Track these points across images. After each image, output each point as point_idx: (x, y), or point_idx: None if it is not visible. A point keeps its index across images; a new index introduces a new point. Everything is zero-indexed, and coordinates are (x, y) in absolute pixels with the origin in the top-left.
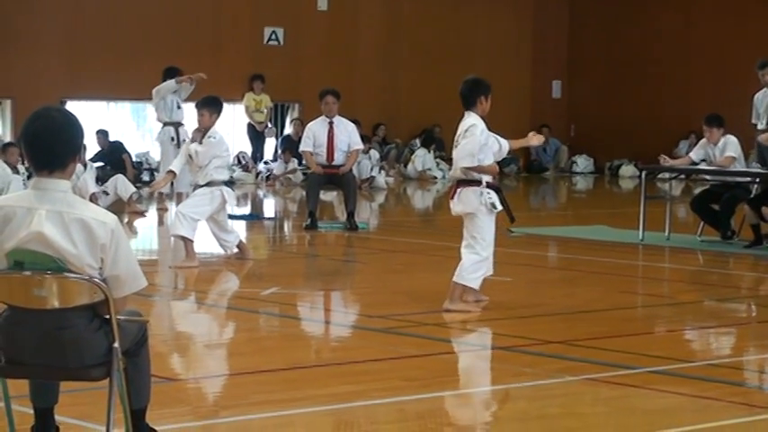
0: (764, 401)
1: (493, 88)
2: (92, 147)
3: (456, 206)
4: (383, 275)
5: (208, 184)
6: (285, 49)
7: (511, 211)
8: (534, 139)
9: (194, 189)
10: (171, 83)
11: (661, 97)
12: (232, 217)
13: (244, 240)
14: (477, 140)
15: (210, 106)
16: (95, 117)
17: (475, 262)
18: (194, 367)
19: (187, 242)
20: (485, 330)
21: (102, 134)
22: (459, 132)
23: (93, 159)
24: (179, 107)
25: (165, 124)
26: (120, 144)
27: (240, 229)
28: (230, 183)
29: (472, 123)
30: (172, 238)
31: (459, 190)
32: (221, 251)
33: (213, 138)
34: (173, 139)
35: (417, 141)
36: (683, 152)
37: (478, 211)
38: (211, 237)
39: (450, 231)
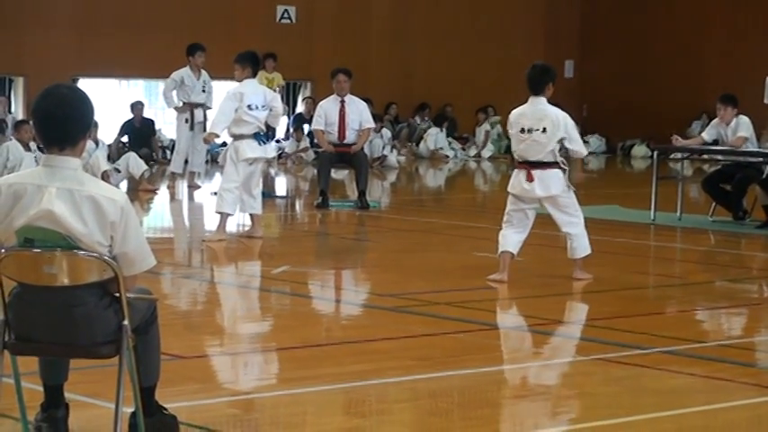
0: None
1: (505, 67)
2: (117, 120)
3: (538, 190)
4: (394, 254)
5: (232, 138)
6: (297, 27)
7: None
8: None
9: None
10: (170, 82)
11: (673, 77)
12: None
13: (260, 217)
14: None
15: (238, 61)
16: (107, 94)
17: (583, 230)
18: (204, 345)
19: (224, 216)
20: (496, 310)
21: (139, 105)
22: (539, 118)
23: (121, 129)
24: (203, 90)
25: (184, 105)
26: (152, 123)
27: None
28: (261, 135)
29: (565, 114)
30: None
31: (537, 173)
32: (232, 229)
33: (227, 93)
34: (187, 120)
35: (418, 118)
36: (695, 132)
37: (563, 191)
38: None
39: (462, 210)
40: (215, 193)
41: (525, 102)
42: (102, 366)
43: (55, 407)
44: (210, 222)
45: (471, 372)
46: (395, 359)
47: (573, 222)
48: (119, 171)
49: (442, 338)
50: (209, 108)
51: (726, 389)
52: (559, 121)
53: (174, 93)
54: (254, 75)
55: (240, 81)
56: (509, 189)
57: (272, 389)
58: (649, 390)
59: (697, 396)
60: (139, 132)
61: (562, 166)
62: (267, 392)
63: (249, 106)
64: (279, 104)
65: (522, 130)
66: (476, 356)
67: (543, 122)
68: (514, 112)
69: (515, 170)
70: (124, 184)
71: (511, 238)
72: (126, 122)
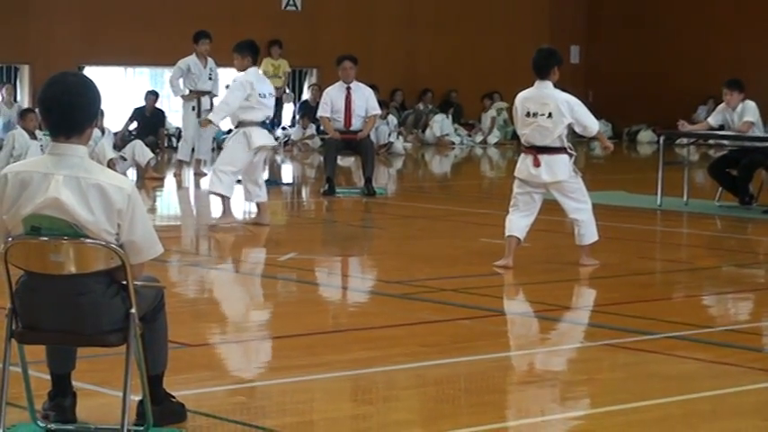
0: None
1: (511, 53)
2: (123, 108)
3: (545, 175)
4: (401, 241)
5: (237, 126)
6: (303, 14)
7: None
8: None
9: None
10: (177, 70)
11: (679, 62)
12: None
13: (266, 204)
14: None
15: (237, 51)
16: (113, 83)
17: (590, 217)
18: (211, 333)
19: (224, 199)
20: (503, 296)
21: (152, 95)
22: (544, 103)
23: (132, 116)
24: (210, 78)
25: (191, 92)
26: (163, 114)
27: None
28: (267, 123)
29: (572, 97)
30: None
31: (544, 157)
32: (239, 217)
33: (233, 82)
34: (193, 108)
35: (421, 105)
36: (701, 117)
37: (570, 177)
38: (233, 202)
39: (468, 197)
40: None
41: (532, 86)
42: (110, 355)
43: (62, 395)
44: (216, 209)
45: (478, 358)
46: (402, 346)
47: (580, 209)
48: (124, 159)
49: (449, 325)
50: (216, 96)
51: (733, 374)
52: (564, 105)
53: (181, 80)
54: (254, 63)
55: (243, 70)
56: (515, 173)
57: (280, 376)
58: (657, 375)
59: (704, 381)
60: (149, 121)
61: (569, 151)
62: (274, 380)
63: (261, 94)
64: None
65: (528, 114)
66: (483, 343)
67: (548, 107)
68: (520, 95)
69: (522, 155)
70: (132, 172)
71: (517, 223)
72: (137, 109)
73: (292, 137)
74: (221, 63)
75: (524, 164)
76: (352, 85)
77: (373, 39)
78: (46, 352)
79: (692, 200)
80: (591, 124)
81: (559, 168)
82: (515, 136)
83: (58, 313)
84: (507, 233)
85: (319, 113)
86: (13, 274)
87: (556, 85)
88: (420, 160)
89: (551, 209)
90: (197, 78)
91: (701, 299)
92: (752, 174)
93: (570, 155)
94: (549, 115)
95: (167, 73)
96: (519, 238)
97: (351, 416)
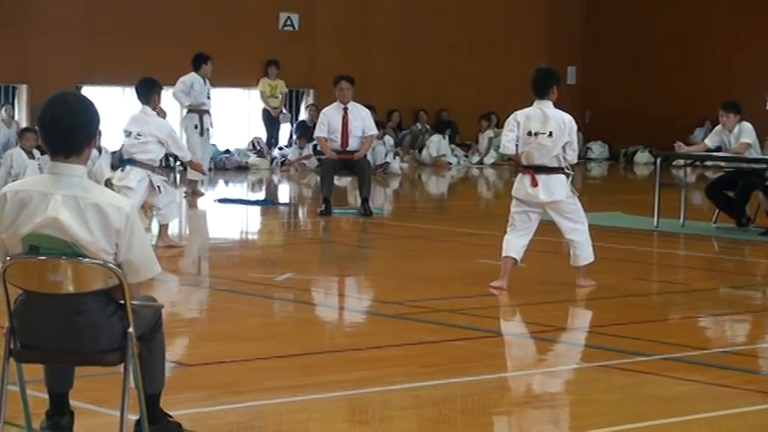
0: None
1: (508, 74)
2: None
3: (542, 195)
4: (397, 261)
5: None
6: (300, 34)
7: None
8: None
9: None
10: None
11: (676, 84)
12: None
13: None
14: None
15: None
16: (111, 102)
17: (587, 238)
18: (209, 352)
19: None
20: (498, 317)
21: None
22: (545, 122)
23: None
24: (208, 97)
25: (190, 110)
26: None
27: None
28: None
29: (571, 119)
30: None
31: (542, 177)
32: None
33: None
34: (196, 126)
35: (419, 124)
36: (698, 139)
37: (567, 197)
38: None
39: (465, 217)
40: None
41: (530, 106)
42: (107, 374)
43: (60, 414)
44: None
45: (474, 379)
46: (398, 366)
47: (577, 229)
48: None
49: (446, 345)
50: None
51: (729, 396)
52: (565, 124)
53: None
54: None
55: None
56: (513, 193)
57: (276, 396)
58: (653, 397)
59: (701, 403)
60: None
61: (567, 171)
62: (271, 400)
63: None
64: None
65: (530, 133)
66: (479, 363)
67: (549, 126)
68: (521, 113)
69: (520, 174)
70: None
71: (513, 243)
72: None
73: (289, 157)
74: (218, 83)
75: (522, 183)
76: (349, 105)
77: (370, 59)
78: (44, 371)
79: (689, 221)
80: (572, 156)
81: (556, 188)
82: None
83: (56, 332)
84: (503, 254)
85: (316, 134)
86: (12, 293)
87: (555, 106)
88: (416, 181)
89: (547, 229)
90: (198, 96)
91: (697, 320)
92: (748, 195)
93: (567, 175)
94: (550, 134)
95: (165, 94)
96: (515, 259)
97: None
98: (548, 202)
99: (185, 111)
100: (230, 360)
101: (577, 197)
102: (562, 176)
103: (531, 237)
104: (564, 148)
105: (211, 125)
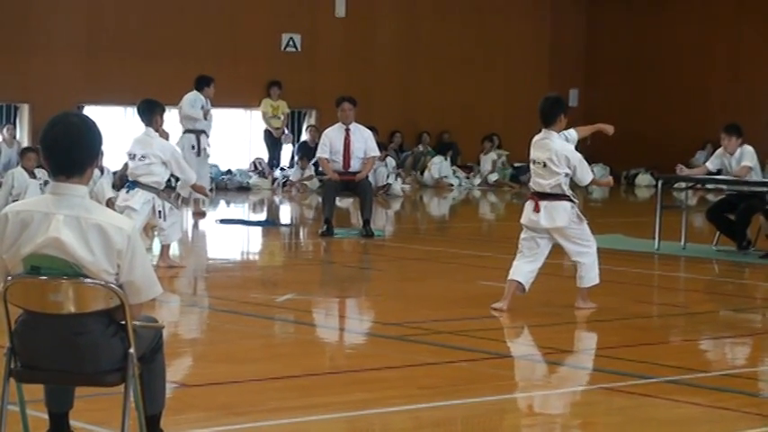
0: None
1: (510, 96)
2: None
3: (543, 221)
4: (398, 283)
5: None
6: (302, 55)
7: None
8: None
9: None
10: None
11: (678, 107)
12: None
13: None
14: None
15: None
16: (113, 122)
17: (594, 260)
18: (209, 373)
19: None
20: (499, 339)
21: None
22: (544, 151)
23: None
24: (206, 117)
25: (187, 131)
26: None
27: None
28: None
29: (570, 149)
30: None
31: (544, 204)
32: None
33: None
34: (193, 147)
35: (421, 146)
36: (699, 162)
37: (571, 223)
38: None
39: (466, 239)
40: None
41: (536, 130)
42: (108, 394)
43: None
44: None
45: (475, 401)
46: (399, 388)
47: (583, 252)
48: None
49: (447, 367)
50: (209, 136)
51: (730, 419)
52: (561, 157)
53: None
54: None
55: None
56: (521, 220)
57: (276, 417)
58: (653, 419)
59: (701, 426)
60: None
61: (572, 199)
62: (272, 421)
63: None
64: None
65: (532, 160)
66: (480, 385)
67: (544, 157)
68: (533, 139)
69: (527, 201)
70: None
71: (520, 268)
72: None
73: (291, 178)
74: (220, 104)
75: (527, 209)
76: (351, 126)
77: (372, 81)
78: (44, 391)
79: (690, 244)
80: (584, 178)
81: (558, 215)
82: (513, 178)
83: (56, 352)
84: (509, 277)
85: (318, 154)
86: (13, 313)
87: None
88: (418, 202)
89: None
90: (199, 116)
91: (697, 343)
92: (749, 218)
93: (573, 202)
94: (544, 165)
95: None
96: (519, 283)
97: None
98: (550, 227)
99: (182, 131)
100: (231, 381)
101: (586, 223)
102: (566, 203)
103: (541, 262)
104: (568, 176)
105: (208, 145)
